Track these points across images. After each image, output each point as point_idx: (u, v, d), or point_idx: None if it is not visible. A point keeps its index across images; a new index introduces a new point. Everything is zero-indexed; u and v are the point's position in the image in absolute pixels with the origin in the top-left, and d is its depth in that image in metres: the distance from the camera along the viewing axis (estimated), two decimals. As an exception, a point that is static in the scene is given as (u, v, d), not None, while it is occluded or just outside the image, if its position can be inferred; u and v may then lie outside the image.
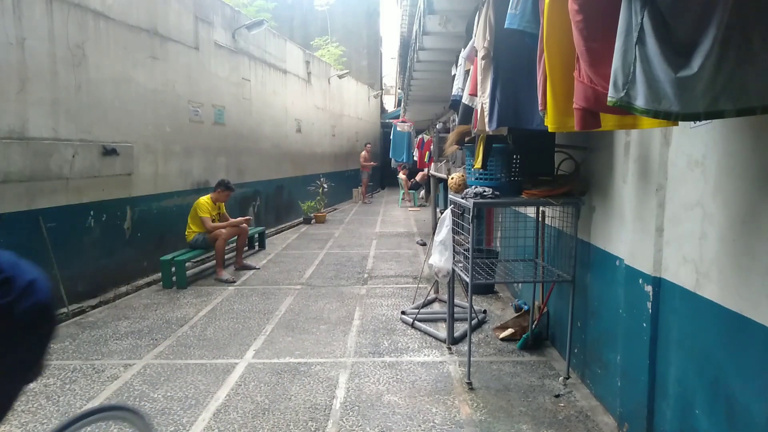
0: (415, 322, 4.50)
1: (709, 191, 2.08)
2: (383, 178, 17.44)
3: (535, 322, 3.98)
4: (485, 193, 3.21)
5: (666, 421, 2.40)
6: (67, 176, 5.00)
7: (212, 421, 2.97)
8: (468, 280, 3.29)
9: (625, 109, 1.48)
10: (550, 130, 2.30)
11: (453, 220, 3.60)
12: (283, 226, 10.74)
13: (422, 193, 15.17)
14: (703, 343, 2.14)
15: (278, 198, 10.96)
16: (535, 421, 2.92)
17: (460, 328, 4.26)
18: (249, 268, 6.81)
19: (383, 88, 25.55)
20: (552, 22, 2.04)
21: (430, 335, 4.29)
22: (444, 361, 3.78)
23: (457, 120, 4.24)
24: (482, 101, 3.01)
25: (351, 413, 3.04)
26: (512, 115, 2.89)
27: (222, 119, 8.24)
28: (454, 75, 4.40)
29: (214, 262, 6.45)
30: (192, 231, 6.29)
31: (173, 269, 5.90)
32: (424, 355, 3.90)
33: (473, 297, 4.15)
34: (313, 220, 11.41)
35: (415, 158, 13.02)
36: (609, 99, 1.50)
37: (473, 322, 3.92)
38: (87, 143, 5.26)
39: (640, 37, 1.38)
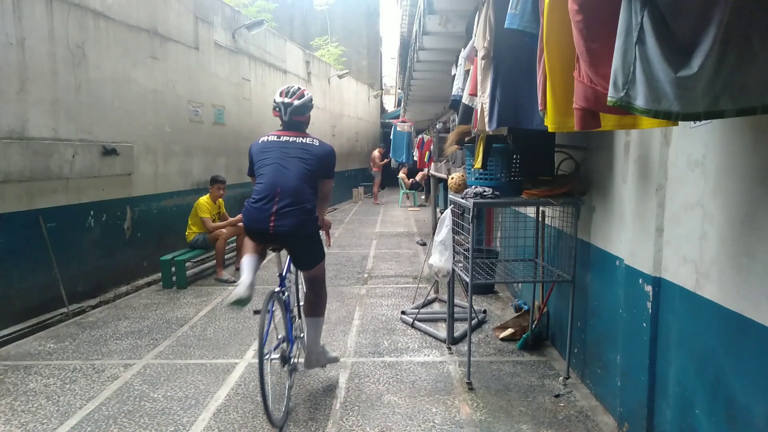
0: (415, 322, 4.50)
1: (709, 191, 2.08)
2: (383, 178, 17.44)
3: (535, 322, 3.98)
4: (485, 193, 3.21)
5: (666, 421, 2.40)
6: (67, 176, 5.00)
7: (212, 421, 2.97)
8: (468, 280, 3.29)
9: (625, 109, 1.48)
10: (550, 130, 2.30)
11: (453, 220, 3.60)
12: (283, 226, 10.72)
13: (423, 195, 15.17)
14: (703, 343, 2.14)
15: (278, 198, 10.94)
16: (535, 421, 2.92)
17: (460, 328, 4.26)
18: (249, 268, 6.79)
19: (383, 88, 25.56)
20: (552, 22, 2.04)
21: (430, 335, 4.29)
22: (444, 361, 3.78)
23: (457, 120, 4.24)
24: (482, 101, 3.01)
25: (351, 413, 3.04)
26: (512, 115, 2.89)
27: (222, 119, 8.24)
28: (454, 75, 4.40)
29: (214, 262, 6.45)
30: (192, 231, 6.29)
31: (173, 269, 5.90)
32: (424, 355, 3.90)
33: (473, 297, 4.15)
34: (313, 220, 11.38)
35: (415, 158, 13.01)
36: (609, 99, 1.50)
37: (473, 322, 3.92)
38: (87, 143, 5.27)
39: (640, 37, 1.38)
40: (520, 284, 5.05)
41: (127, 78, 5.88)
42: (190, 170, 7.31)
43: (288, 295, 3.20)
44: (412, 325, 4.50)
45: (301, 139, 3.10)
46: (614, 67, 1.46)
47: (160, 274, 6.02)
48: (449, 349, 3.99)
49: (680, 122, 1.61)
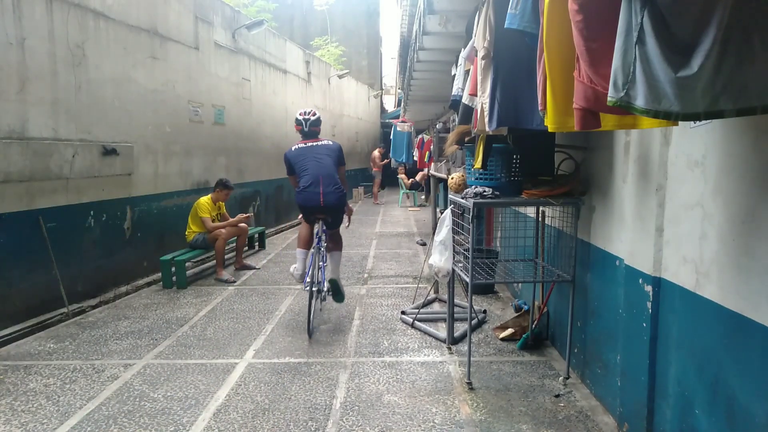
0: (415, 322, 4.50)
1: (709, 191, 2.08)
2: (383, 178, 17.46)
3: (535, 322, 3.98)
4: (485, 193, 3.21)
5: (666, 421, 2.40)
6: (67, 176, 5.00)
7: (212, 421, 2.97)
8: (468, 280, 3.29)
9: (625, 109, 1.48)
10: (550, 130, 2.30)
11: (453, 220, 3.60)
12: (283, 226, 10.74)
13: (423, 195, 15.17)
14: (703, 343, 2.14)
15: (278, 198, 10.96)
16: (535, 421, 2.92)
17: (460, 328, 4.26)
18: (249, 268, 6.82)
19: (383, 88, 25.56)
20: (552, 22, 2.04)
21: (430, 335, 4.29)
22: (444, 361, 3.78)
23: (457, 120, 4.24)
24: (482, 101, 3.01)
25: (351, 413, 3.04)
26: (512, 115, 2.89)
27: (222, 119, 8.24)
28: (454, 75, 4.40)
29: (214, 262, 6.45)
30: (192, 231, 6.30)
31: (173, 269, 5.90)
32: (424, 355, 3.90)
33: (473, 297, 4.15)
34: (313, 220, 11.40)
35: (415, 158, 13.01)
36: (609, 99, 1.50)
37: (473, 322, 3.92)
38: (87, 143, 5.26)
39: (640, 37, 1.38)
40: (520, 284, 5.05)
41: (127, 78, 5.88)
42: (190, 170, 7.31)
43: (323, 252, 4.54)
44: (412, 325, 4.50)
45: (320, 142, 4.63)
46: (614, 67, 1.46)
47: (160, 274, 6.02)
48: (449, 349, 3.99)
49: (680, 122, 1.61)
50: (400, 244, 8.62)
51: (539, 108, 2.29)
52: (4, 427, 2.91)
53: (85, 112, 5.25)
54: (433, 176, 7.10)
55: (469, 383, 3.35)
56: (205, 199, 6.38)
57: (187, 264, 6.08)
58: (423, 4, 5.29)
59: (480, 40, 2.99)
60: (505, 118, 2.89)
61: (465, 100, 3.67)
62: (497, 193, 3.25)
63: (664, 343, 2.41)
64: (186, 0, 7.11)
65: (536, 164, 3.43)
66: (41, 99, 4.73)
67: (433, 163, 7.56)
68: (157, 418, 3.00)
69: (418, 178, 14.41)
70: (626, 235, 2.74)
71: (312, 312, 4.28)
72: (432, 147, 8.06)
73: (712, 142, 2.06)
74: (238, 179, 8.77)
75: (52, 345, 4.16)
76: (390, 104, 26.96)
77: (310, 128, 4.65)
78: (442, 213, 3.75)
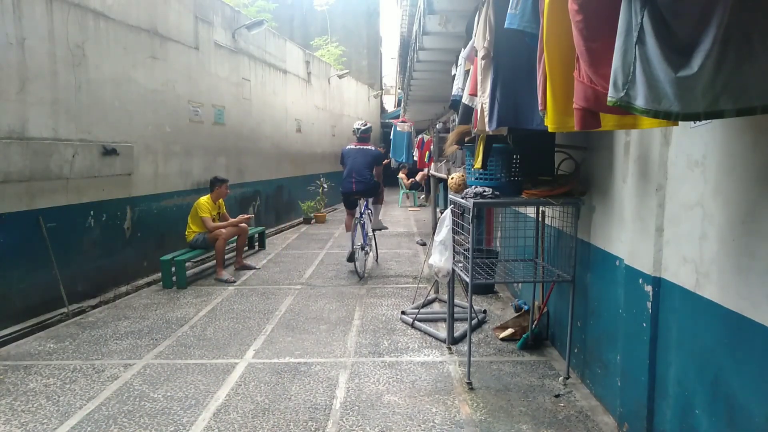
0: (415, 322, 4.50)
1: (709, 191, 2.08)
2: (383, 178, 17.47)
3: (535, 322, 3.98)
4: (485, 193, 3.21)
5: (666, 421, 2.40)
6: (67, 176, 5.00)
7: (212, 421, 2.97)
8: (468, 280, 3.29)
9: (625, 109, 1.48)
10: (550, 130, 2.30)
11: (453, 220, 3.60)
12: (283, 226, 10.74)
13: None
14: (703, 343, 2.14)
15: (278, 198, 10.97)
16: (535, 421, 2.92)
17: (460, 328, 4.26)
18: (249, 268, 6.82)
19: (383, 88, 25.54)
20: (552, 22, 2.04)
21: (430, 335, 4.29)
22: (444, 361, 3.78)
23: (457, 120, 4.24)
24: (482, 101, 3.01)
25: (351, 413, 3.04)
26: (512, 115, 2.89)
27: (222, 119, 8.24)
28: (454, 75, 4.40)
29: (214, 262, 6.45)
30: (192, 231, 6.29)
31: (173, 269, 5.90)
32: (424, 355, 3.90)
33: (473, 297, 4.15)
34: (313, 220, 11.42)
35: (415, 158, 13.00)
36: (609, 99, 1.50)
37: (473, 322, 3.92)
38: (87, 143, 5.27)
39: (640, 37, 1.38)
40: (520, 284, 5.05)
41: (127, 78, 5.88)
42: (190, 170, 7.31)
43: (364, 222, 6.49)
44: (412, 325, 4.50)
45: (366, 147, 6.55)
46: (614, 67, 1.46)
47: (160, 274, 6.02)
48: (449, 349, 3.99)
49: (680, 122, 1.61)
50: (400, 244, 8.62)
51: (539, 108, 2.29)
52: (4, 427, 2.91)
53: (85, 112, 5.25)
54: (433, 176, 7.10)
55: (469, 383, 3.35)
56: (205, 199, 6.38)
57: (187, 264, 6.08)
58: (423, 4, 5.29)
59: (480, 40, 2.99)
60: (505, 118, 2.89)
61: (465, 100, 3.67)
62: (497, 193, 3.25)
63: (664, 343, 2.41)
64: (186, 0, 7.11)
65: (536, 164, 3.43)
66: (41, 99, 4.73)
67: (433, 163, 7.57)
68: (157, 418, 3.00)
69: (418, 178, 14.41)
70: (626, 235, 2.74)
71: (357, 261, 6.23)
72: (432, 147, 8.06)
73: (712, 142, 2.06)
74: (238, 179, 8.77)
75: (52, 345, 4.16)
76: (390, 104, 26.93)
77: (361, 135, 6.58)
78: (442, 213, 3.75)
